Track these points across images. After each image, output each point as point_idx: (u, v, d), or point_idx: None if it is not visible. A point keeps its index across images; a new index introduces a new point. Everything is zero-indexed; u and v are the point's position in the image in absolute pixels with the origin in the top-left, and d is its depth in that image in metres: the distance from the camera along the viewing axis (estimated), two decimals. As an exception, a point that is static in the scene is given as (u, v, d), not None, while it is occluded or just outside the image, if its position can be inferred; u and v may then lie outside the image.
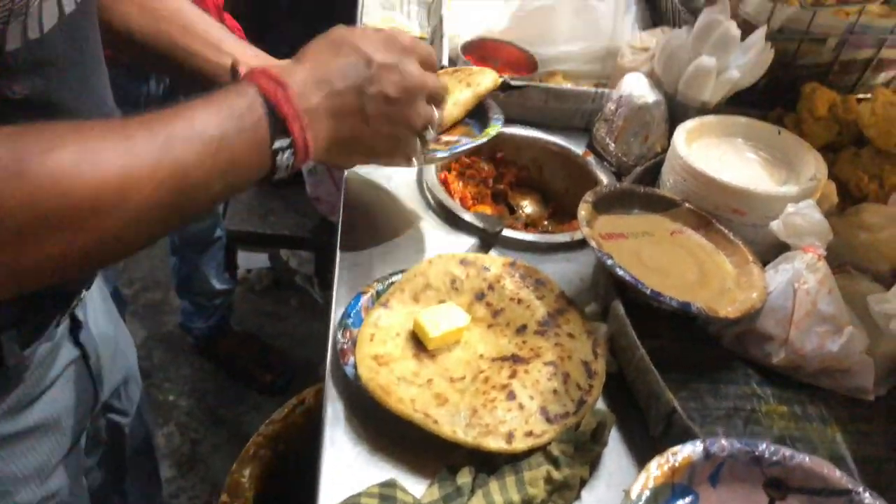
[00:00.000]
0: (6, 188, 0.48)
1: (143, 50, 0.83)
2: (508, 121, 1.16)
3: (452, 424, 0.69)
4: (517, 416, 0.70)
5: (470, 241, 0.96)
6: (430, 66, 0.75)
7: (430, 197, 1.02)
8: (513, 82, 1.14)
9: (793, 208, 0.84)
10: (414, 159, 0.77)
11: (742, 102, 1.10)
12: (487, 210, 1.07)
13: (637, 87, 1.08)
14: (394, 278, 0.85)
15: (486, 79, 1.00)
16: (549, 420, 0.70)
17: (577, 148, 1.14)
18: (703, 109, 1.05)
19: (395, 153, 0.74)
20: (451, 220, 0.99)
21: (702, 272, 0.86)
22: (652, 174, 1.03)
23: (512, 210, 1.13)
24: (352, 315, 0.80)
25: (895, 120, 0.99)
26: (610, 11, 1.27)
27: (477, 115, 0.99)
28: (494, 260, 0.85)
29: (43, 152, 0.50)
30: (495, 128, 0.93)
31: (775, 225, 0.86)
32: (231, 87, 0.61)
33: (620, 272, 0.77)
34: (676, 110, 1.08)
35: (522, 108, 1.17)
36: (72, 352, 0.82)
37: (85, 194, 0.51)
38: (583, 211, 0.84)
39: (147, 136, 0.54)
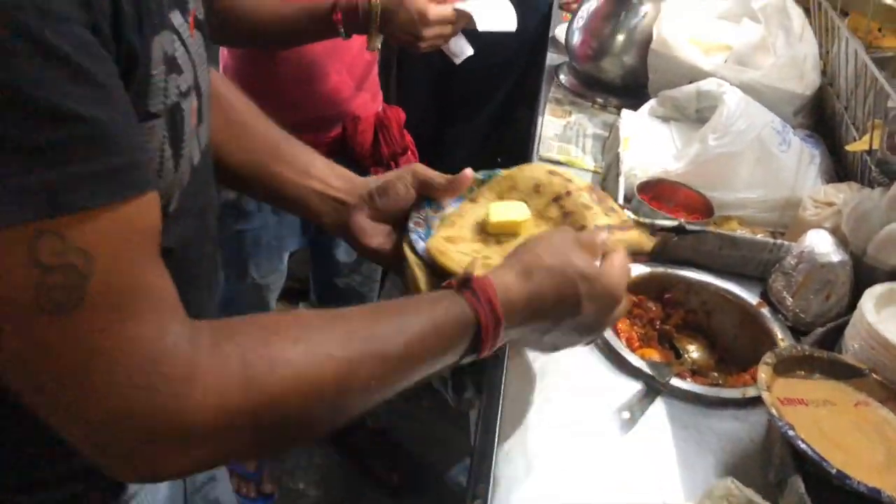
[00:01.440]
0: (237, 387, 0.53)
1: (237, 177, 0.87)
2: (680, 262, 1.16)
3: None
4: None
5: (635, 385, 0.94)
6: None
7: (595, 333, 1.02)
8: (688, 226, 1.14)
9: None
10: None
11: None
12: (654, 354, 1.05)
13: (821, 244, 1.05)
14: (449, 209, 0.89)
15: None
16: None
17: (750, 297, 1.11)
18: (894, 274, 1.00)
19: (571, 343, 0.76)
20: (617, 361, 0.98)
21: (890, 453, 0.80)
22: (834, 336, 0.98)
23: (677, 353, 1.10)
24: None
25: None
26: (793, 162, 1.26)
27: None
28: (578, 177, 0.91)
29: (269, 349, 0.55)
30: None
31: (978, 412, 0.80)
32: (447, 295, 0.66)
33: (803, 446, 0.73)
34: (863, 272, 1.03)
35: (695, 251, 1.15)
36: None
37: (310, 389, 0.56)
38: (763, 374, 0.81)
39: (363, 327, 0.60)
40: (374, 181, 0.88)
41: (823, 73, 1.40)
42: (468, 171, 0.88)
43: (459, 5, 1.38)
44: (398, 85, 2.38)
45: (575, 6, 2.14)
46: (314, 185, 0.87)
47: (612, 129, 1.47)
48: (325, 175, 0.88)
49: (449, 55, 1.47)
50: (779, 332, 1.04)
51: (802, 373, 0.88)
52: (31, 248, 0.45)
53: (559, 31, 1.90)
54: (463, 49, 1.46)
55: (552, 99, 1.64)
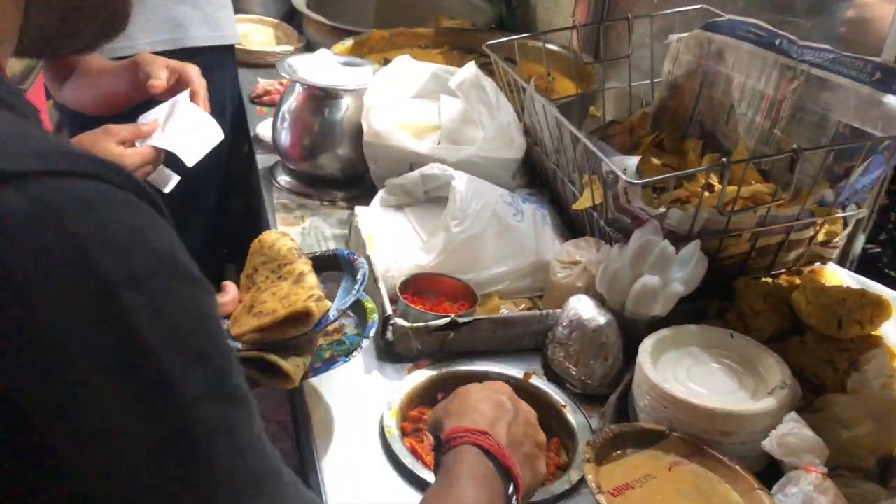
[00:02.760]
0: None
1: None
2: (459, 355, 1.15)
3: None
4: None
5: None
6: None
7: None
8: (460, 320, 1.14)
9: (784, 429, 0.86)
10: None
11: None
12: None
13: (585, 310, 1.10)
14: None
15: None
16: None
17: (516, 372, 1.12)
18: (654, 322, 1.08)
19: (542, 474, 0.78)
20: (411, 479, 0.94)
21: (714, 509, 0.85)
22: (624, 398, 1.03)
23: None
24: None
25: (830, 305, 1.05)
26: (530, 228, 1.31)
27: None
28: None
29: None
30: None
31: (768, 445, 0.87)
32: (463, 453, 0.71)
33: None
34: (627, 325, 1.10)
35: (473, 340, 1.15)
36: None
37: None
38: (590, 474, 0.82)
39: None
40: None
41: (527, 132, 1.49)
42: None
43: (157, 142, 1.26)
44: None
45: (266, 99, 2.08)
46: None
47: (351, 227, 1.43)
48: None
49: (155, 185, 1.34)
50: (559, 399, 1.07)
51: (617, 453, 0.90)
52: None
53: (262, 129, 1.83)
54: (169, 178, 1.35)
55: (279, 206, 1.56)
